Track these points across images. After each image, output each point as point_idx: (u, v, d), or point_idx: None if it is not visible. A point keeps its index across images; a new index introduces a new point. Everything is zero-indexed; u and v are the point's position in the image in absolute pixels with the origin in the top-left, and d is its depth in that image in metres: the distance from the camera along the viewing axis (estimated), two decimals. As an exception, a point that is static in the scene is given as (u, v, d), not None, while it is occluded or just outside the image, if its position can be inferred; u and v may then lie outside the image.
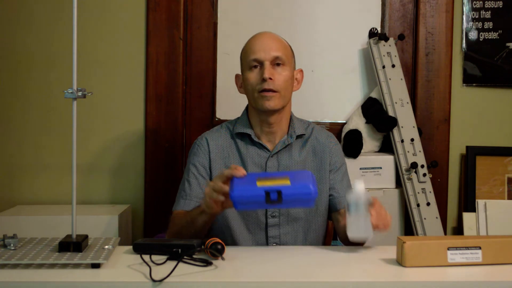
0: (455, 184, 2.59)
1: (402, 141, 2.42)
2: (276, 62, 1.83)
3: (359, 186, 1.55)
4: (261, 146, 1.89)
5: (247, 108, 1.96)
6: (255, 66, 1.84)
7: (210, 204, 1.61)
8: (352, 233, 1.56)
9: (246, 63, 1.86)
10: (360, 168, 2.42)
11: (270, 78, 1.80)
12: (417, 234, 2.36)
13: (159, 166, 2.50)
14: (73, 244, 1.44)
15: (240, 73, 1.94)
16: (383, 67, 2.46)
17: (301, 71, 1.95)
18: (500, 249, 1.47)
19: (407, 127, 2.43)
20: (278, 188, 1.49)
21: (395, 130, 2.43)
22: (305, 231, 1.88)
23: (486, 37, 2.56)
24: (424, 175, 2.39)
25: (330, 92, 2.60)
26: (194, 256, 1.46)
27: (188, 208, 1.82)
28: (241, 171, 1.56)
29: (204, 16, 2.55)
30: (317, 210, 1.89)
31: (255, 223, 1.86)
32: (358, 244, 1.85)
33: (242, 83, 1.91)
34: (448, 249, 1.44)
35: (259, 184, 1.51)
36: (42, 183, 2.49)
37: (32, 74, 2.48)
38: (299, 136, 1.92)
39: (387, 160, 2.46)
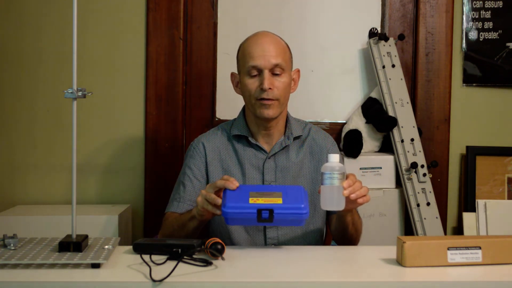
0: (455, 184, 2.59)
1: (402, 141, 2.41)
2: (275, 72, 1.80)
3: (334, 159, 1.56)
4: (258, 148, 1.88)
5: (243, 109, 1.95)
6: (254, 73, 1.81)
7: (202, 212, 1.63)
8: (325, 206, 1.58)
9: (244, 68, 1.83)
10: (360, 168, 2.42)
11: (270, 88, 1.79)
12: (417, 234, 2.36)
13: (159, 166, 2.50)
14: (73, 244, 1.44)
15: (236, 71, 1.92)
16: (383, 67, 2.46)
17: (298, 71, 1.92)
18: (500, 249, 1.47)
19: (407, 127, 2.43)
20: (270, 207, 1.53)
21: (395, 130, 2.43)
22: (303, 232, 1.87)
23: (486, 37, 2.55)
24: (424, 175, 2.39)
25: (330, 92, 2.60)
26: (194, 256, 1.46)
27: (180, 211, 1.83)
28: (234, 184, 1.57)
29: (204, 16, 2.55)
30: (315, 211, 1.88)
31: (253, 224, 1.85)
32: (352, 244, 1.85)
33: (238, 82, 1.90)
34: (448, 249, 1.44)
35: (252, 201, 1.55)
36: (42, 183, 2.49)
37: (31, 74, 2.47)
38: (296, 137, 1.91)
39: (387, 160, 2.46)
